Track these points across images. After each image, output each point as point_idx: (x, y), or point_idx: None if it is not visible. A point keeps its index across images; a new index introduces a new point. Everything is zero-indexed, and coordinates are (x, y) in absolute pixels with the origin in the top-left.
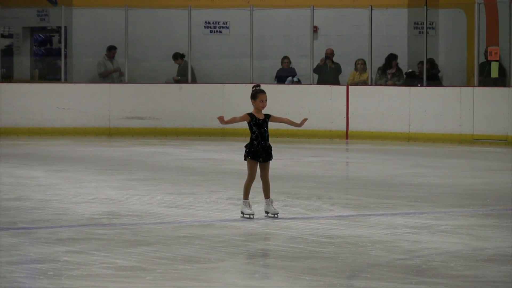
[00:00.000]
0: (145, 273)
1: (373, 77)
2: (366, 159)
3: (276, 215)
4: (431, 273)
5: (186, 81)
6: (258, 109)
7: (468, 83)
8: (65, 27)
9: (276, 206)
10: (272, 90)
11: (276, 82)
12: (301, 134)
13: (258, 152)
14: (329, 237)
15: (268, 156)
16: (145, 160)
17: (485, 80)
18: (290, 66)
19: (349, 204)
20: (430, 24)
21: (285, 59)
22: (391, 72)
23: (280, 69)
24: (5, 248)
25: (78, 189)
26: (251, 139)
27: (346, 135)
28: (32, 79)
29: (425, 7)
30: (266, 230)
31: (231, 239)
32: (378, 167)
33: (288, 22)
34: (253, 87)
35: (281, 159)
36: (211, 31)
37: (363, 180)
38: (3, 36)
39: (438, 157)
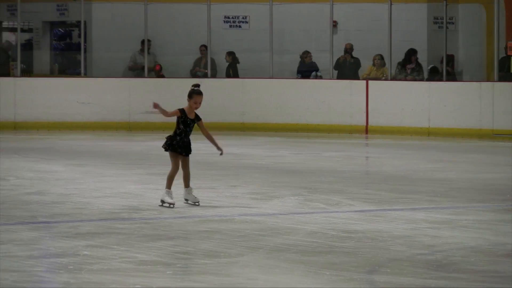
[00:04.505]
0: (165, 267)
1: (393, 72)
2: (386, 154)
3: (197, 203)
4: (451, 268)
5: (205, 76)
6: (191, 108)
7: (488, 78)
8: (85, 22)
9: (296, 200)
10: (292, 85)
11: (299, 76)
12: (321, 129)
13: (179, 146)
14: (349, 231)
15: (188, 151)
16: (165, 154)
17: (505, 75)
18: (312, 60)
19: (369, 198)
20: (449, 19)
21: (307, 54)
22: (410, 67)
23: (301, 64)
24: (25, 242)
25: (98, 183)
26: (175, 133)
27: (366, 130)
28: (51, 74)
29: (444, 2)
30: (286, 224)
31: (251, 233)
32: (398, 162)
33: (307, 17)
34: (192, 86)
35: (301, 153)
36: (230, 26)
37: (383, 175)
38: (23, 30)
39: (458, 152)
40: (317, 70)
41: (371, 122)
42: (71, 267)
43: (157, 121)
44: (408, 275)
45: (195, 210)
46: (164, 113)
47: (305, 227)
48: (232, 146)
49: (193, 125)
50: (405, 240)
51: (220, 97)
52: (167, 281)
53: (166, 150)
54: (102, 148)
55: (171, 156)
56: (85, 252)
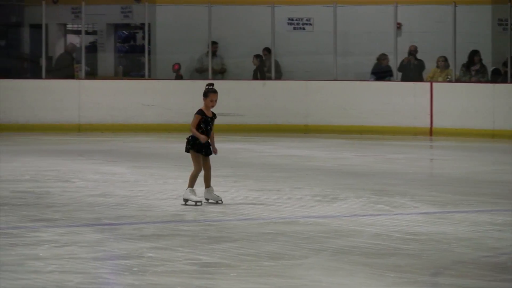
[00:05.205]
0: (229, 269)
1: (457, 73)
2: (450, 156)
3: (220, 201)
4: None
5: (269, 78)
6: (208, 106)
7: None
8: (149, 24)
9: (360, 203)
10: (356, 87)
11: (373, 78)
12: (385, 131)
13: (201, 146)
14: (413, 234)
15: (208, 151)
16: (229, 156)
17: None
18: (388, 63)
19: (433, 201)
20: None
21: (385, 56)
22: (475, 69)
23: (376, 66)
24: (90, 244)
25: (162, 186)
26: None
27: (430, 132)
28: (116, 76)
29: (509, 3)
30: (350, 226)
31: (315, 235)
32: (462, 164)
33: (371, 19)
34: (206, 85)
35: (365, 156)
36: (294, 28)
37: (448, 177)
38: (87, 32)
39: None
40: (391, 75)
41: (436, 124)
42: (136, 269)
43: (221, 124)
44: (472, 277)
45: (258, 212)
46: (195, 132)
47: (369, 229)
48: (296, 148)
49: (213, 123)
50: (469, 242)
51: (284, 99)
52: (231, 283)
53: (187, 151)
54: (166, 150)
55: (193, 156)
56: (150, 254)
